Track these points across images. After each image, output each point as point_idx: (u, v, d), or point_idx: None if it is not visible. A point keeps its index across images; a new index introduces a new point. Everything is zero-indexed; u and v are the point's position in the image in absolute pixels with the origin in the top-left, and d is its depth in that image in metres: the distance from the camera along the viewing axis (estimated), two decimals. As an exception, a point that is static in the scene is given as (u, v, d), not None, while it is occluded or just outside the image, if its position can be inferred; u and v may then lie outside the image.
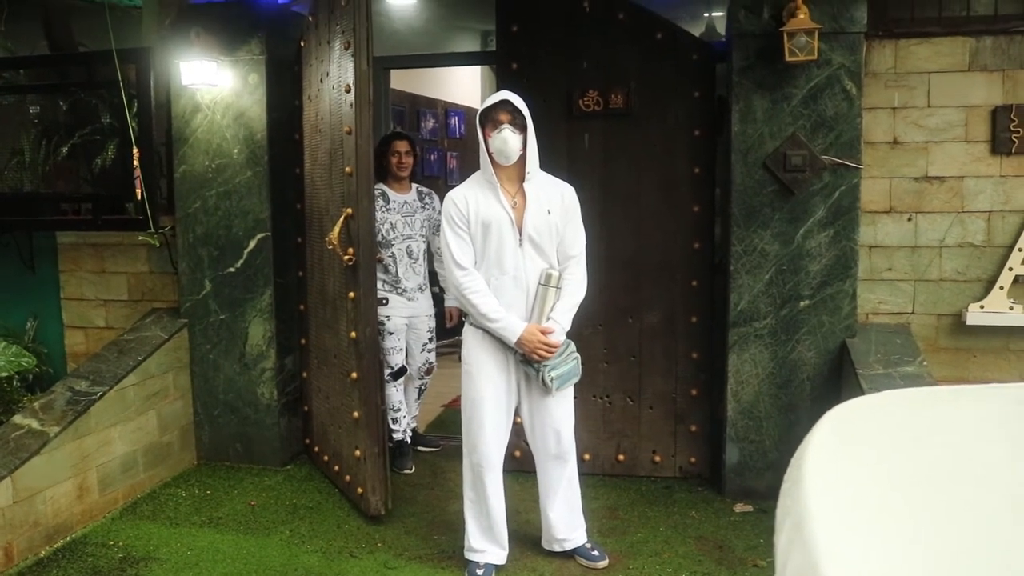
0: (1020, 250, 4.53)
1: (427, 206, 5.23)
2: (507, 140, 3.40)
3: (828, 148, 4.36)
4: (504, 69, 4.83)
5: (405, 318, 5.12)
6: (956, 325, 4.65)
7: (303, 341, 5.17)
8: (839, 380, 4.48)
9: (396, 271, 5.06)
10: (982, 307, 4.57)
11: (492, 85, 7.01)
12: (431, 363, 5.34)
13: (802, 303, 4.47)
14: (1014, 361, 4.67)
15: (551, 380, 3.51)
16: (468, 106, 10.48)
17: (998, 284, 4.56)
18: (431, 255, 5.30)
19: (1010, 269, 4.56)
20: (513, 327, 3.43)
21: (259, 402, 5.10)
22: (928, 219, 4.61)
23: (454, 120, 10.01)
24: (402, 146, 5.14)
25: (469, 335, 3.54)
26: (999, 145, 4.53)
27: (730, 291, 4.51)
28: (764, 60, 4.36)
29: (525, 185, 3.53)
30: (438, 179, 9.60)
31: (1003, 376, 4.68)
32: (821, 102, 4.34)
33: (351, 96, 4.09)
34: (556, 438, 3.67)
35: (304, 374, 5.20)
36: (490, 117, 3.42)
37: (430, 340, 5.28)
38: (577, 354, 3.61)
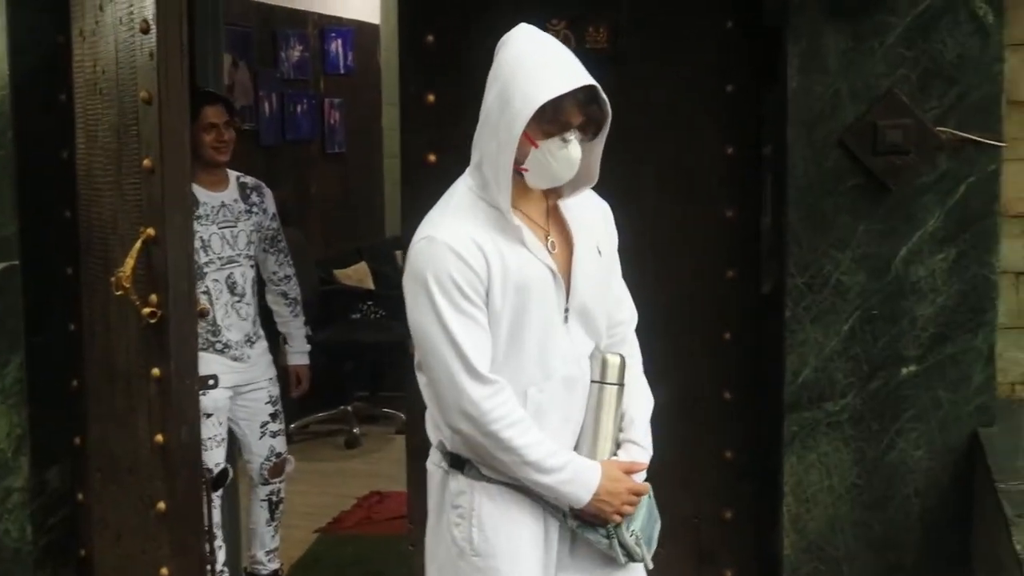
0: None
1: (254, 208, 5.29)
2: (572, 159, 3.16)
3: (947, 114, 4.28)
4: (413, -15, 4.77)
5: (229, 388, 5.14)
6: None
7: (78, 440, 5.03)
8: (968, 497, 4.40)
9: (213, 316, 5.11)
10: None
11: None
12: (280, 455, 5.40)
13: (905, 370, 4.40)
14: None
15: (636, 543, 3.29)
16: (359, 20, 10.41)
17: None
18: (262, 285, 5.36)
19: None
20: (585, 477, 3.18)
21: (1, 544, 4.94)
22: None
23: (335, 45, 9.96)
24: (216, 114, 5.12)
25: (481, 499, 3.23)
26: None
27: (786, 351, 4.44)
28: (843, -31, 4.28)
29: (561, 205, 3.34)
30: (311, 143, 9.54)
31: None
32: (935, 38, 4.25)
33: (151, 40, 3.96)
34: None
35: (80, 496, 5.06)
36: (551, 113, 3.10)
37: (273, 419, 5.36)
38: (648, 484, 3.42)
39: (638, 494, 3.26)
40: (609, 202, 4.61)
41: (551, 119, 3.09)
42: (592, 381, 3.28)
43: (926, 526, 4.45)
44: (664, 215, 4.71)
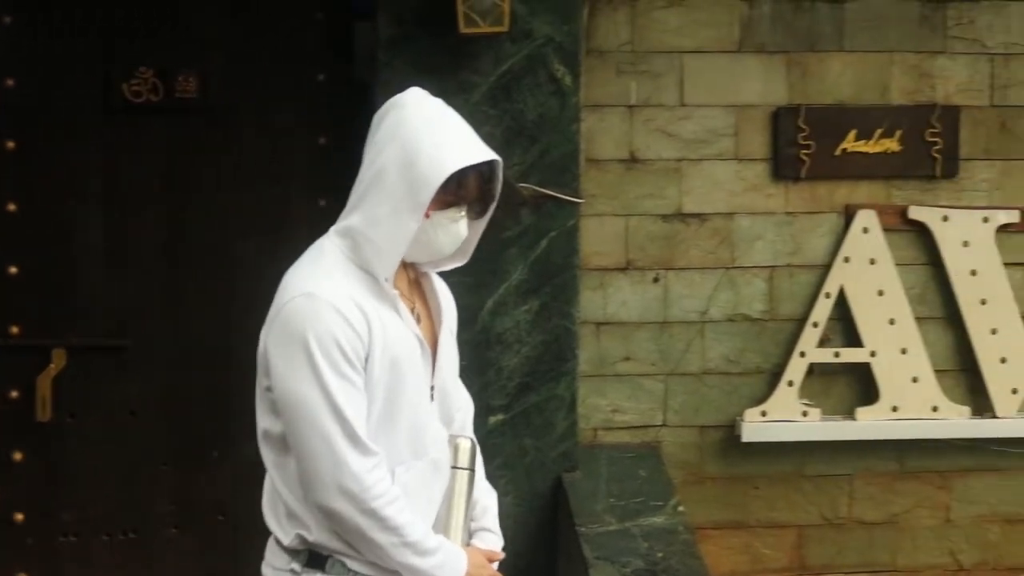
0: (816, 325, 4.79)
1: None
2: (460, 235, 2.91)
3: (529, 171, 4.40)
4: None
5: None
6: (728, 441, 4.83)
7: None
8: (554, 540, 4.51)
9: None
10: (764, 414, 4.78)
11: None
12: None
13: (492, 419, 4.48)
14: (811, 494, 4.91)
15: None
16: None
17: (786, 378, 4.78)
18: None
19: (802, 354, 4.79)
20: (456, 562, 2.91)
21: None
22: (684, 279, 4.76)
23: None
24: None
25: None
26: (783, 166, 4.79)
27: (379, 403, 4.45)
28: (428, 28, 4.33)
29: (424, 280, 3.06)
30: None
31: (797, 518, 4.94)
32: (518, 97, 4.37)
33: None
34: None
35: None
36: (454, 184, 2.80)
37: None
38: None
39: None
40: (199, 258, 4.65)
41: (453, 190, 2.79)
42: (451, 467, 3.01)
43: (516, 571, 4.45)
44: (260, 268, 4.51)
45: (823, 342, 4.83)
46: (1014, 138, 4.92)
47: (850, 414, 4.88)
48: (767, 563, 4.94)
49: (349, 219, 2.84)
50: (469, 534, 3.04)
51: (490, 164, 2.86)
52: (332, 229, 2.88)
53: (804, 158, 4.78)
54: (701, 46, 4.73)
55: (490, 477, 4.43)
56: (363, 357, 2.75)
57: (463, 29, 4.19)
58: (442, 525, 2.96)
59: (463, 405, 3.17)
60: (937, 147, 4.85)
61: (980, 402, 4.94)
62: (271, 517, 2.87)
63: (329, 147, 4.68)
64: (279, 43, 4.62)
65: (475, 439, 3.08)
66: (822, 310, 4.81)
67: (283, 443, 2.79)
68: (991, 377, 4.91)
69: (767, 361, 4.85)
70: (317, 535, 2.78)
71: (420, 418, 2.89)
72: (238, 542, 4.73)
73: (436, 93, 4.29)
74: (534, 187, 4.41)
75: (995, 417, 4.93)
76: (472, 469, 3.03)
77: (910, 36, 4.84)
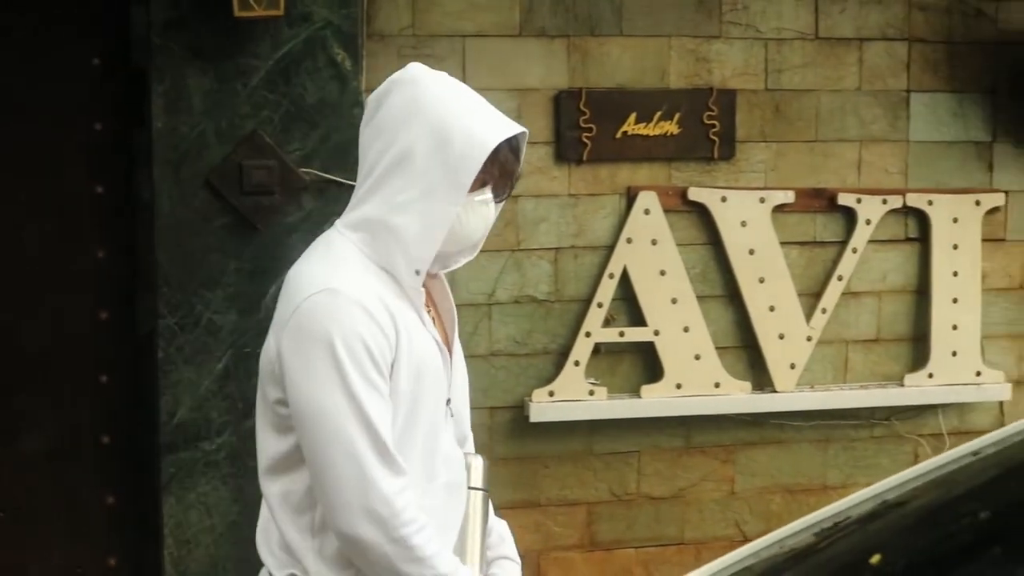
0: (600, 305, 4.83)
1: None
2: (489, 219, 2.65)
3: (311, 156, 4.38)
4: None
5: None
6: (517, 422, 4.87)
7: None
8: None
9: None
10: (551, 394, 4.82)
11: None
12: None
13: (280, 406, 4.46)
14: (601, 471, 4.97)
15: None
16: None
17: (572, 358, 4.82)
18: None
19: (587, 334, 4.82)
20: None
21: None
22: (470, 262, 4.66)
23: None
24: None
25: None
26: (566, 149, 4.82)
27: (161, 392, 4.39)
28: (204, 11, 4.26)
29: (433, 282, 2.74)
30: None
31: (587, 495, 5.00)
32: (297, 82, 4.34)
33: None
34: None
35: None
36: (488, 162, 2.52)
37: None
38: None
39: None
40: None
41: (487, 168, 2.52)
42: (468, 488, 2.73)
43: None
44: (31, 256, 4.57)
45: (608, 322, 4.87)
46: (788, 121, 5.01)
47: (636, 392, 4.93)
48: (558, 540, 4.99)
49: (362, 209, 2.55)
50: (486, 563, 2.77)
51: (513, 141, 2.61)
52: (339, 222, 2.60)
53: (586, 141, 4.81)
54: (482, 30, 4.73)
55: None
56: (390, 363, 2.47)
57: (238, 12, 4.12)
58: (457, 552, 2.65)
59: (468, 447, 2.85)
60: (715, 130, 4.90)
61: (760, 377, 5.04)
62: (263, 546, 2.61)
63: (106, 132, 4.58)
64: (51, 25, 4.49)
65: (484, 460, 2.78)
66: (606, 290, 4.84)
67: (288, 465, 2.52)
68: (770, 353, 5.00)
69: (554, 342, 4.89)
70: (318, 572, 2.52)
71: (436, 437, 2.61)
72: (18, 537, 4.64)
73: (213, 78, 4.30)
74: (316, 172, 4.39)
75: (775, 392, 5.01)
76: (488, 490, 2.74)
77: (687, 21, 4.89)
